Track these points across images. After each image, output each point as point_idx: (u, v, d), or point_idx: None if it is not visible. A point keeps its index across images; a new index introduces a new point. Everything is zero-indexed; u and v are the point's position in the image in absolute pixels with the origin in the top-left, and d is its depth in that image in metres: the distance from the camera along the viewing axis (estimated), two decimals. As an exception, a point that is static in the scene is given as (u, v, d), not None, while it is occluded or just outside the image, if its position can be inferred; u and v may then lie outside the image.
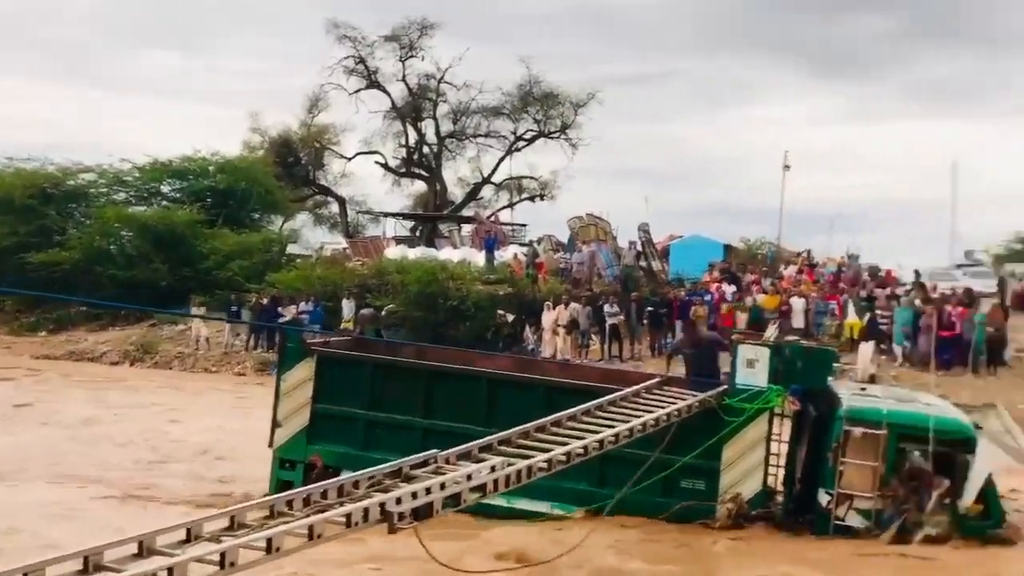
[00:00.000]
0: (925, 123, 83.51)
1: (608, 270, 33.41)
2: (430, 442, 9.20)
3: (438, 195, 52.06)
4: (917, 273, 31.08)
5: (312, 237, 49.30)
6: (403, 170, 52.97)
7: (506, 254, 35.01)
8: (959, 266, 36.63)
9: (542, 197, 58.30)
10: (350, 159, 52.11)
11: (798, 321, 24.46)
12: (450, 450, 7.03)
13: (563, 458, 7.49)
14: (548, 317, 25.77)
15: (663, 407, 9.61)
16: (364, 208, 53.99)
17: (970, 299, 23.73)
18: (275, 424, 11.22)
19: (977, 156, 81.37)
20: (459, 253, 36.82)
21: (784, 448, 10.97)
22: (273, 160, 45.00)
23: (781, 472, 10.95)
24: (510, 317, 26.93)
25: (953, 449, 9.74)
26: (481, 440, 7.56)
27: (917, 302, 23.74)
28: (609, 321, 25.49)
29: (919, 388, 19.84)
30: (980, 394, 20.52)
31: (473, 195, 55.26)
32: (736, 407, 10.21)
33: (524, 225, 53.65)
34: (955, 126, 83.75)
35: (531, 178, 57.15)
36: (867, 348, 21.97)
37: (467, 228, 47.30)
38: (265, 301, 27.91)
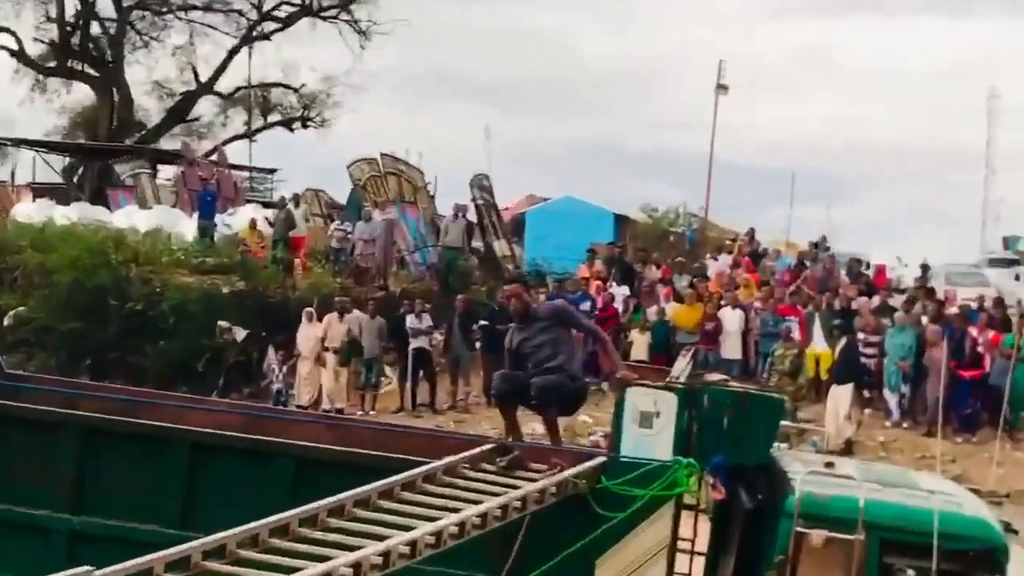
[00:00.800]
0: (945, 22, 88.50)
1: (417, 254, 33.58)
2: (81, 554, 8.87)
3: (115, 112, 50.94)
4: (924, 271, 32.79)
5: None
6: (52, 64, 51.64)
7: (237, 220, 34.58)
8: (992, 261, 38.79)
9: (305, 122, 58.09)
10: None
11: (731, 348, 25.31)
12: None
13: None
14: (307, 334, 25.61)
15: (489, 495, 9.67)
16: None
17: (1005, 316, 25.12)
18: None
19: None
20: (150, 216, 36.16)
21: (699, 565, 11.24)
22: None
23: (694, 606, 11.22)
24: (240, 333, 26.66)
25: (971, 566, 10.19)
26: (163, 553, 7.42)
27: (924, 320, 24.94)
28: (415, 343, 25.60)
29: (921, 464, 21.00)
30: (1018, 473, 21.87)
31: (180, 114, 54.36)
32: (618, 493, 10.37)
33: (272, 171, 53.35)
34: (994, 29, 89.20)
35: (287, 87, 56.90)
36: (842, 395, 22.99)
37: (167, 172, 46.43)
38: None
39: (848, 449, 21.94)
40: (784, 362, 23.59)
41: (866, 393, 24.55)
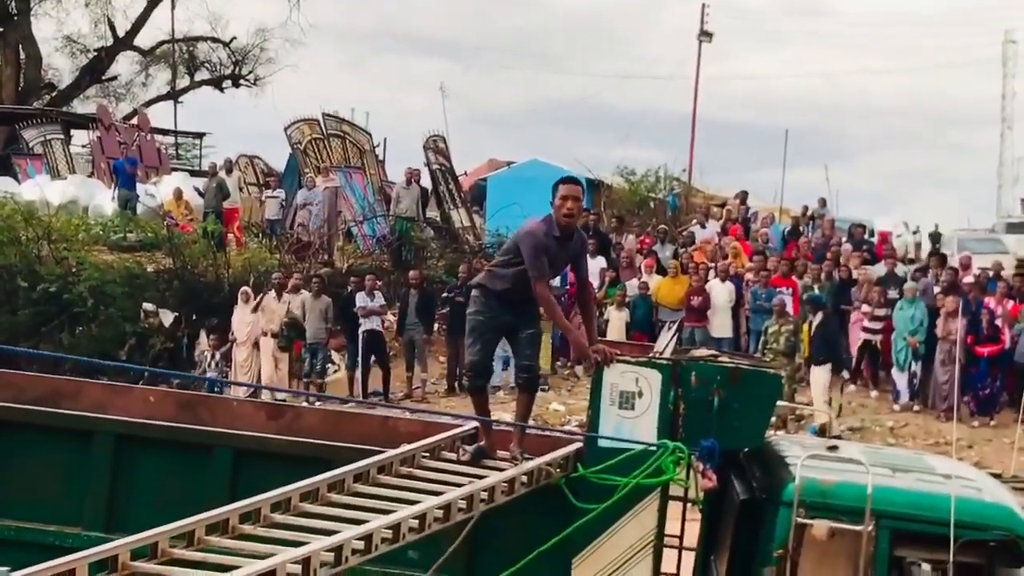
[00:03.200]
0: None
1: (365, 225, 33.55)
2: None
3: (22, 71, 50.54)
4: (936, 239, 32.95)
5: None
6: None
7: (161, 191, 34.46)
8: (1010, 226, 38.97)
9: (237, 81, 57.78)
10: None
11: (720, 325, 25.40)
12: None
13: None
14: (243, 317, 25.57)
15: (452, 486, 9.69)
16: None
17: (1025, 285, 25.29)
18: None
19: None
20: (64, 187, 35.95)
21: (689, 560, 11.28)
22: None
23: (682, 607, 11.25)
24: (168, 317, 26.60)
25: (992, 558, 10.25)
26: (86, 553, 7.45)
27: (936, 291, 25.07)
28: (366, 325, 25.59)
29: (934, 450, 21.11)
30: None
31: (95, 73, 54.01)
32: (597, 483, 10.40)
33: (200, 136, 53.14)
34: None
35: (215, 41, 56.58)
36: (820, 377, 23.06)
37: (82, 138, 46.14)
38: None
39: (822, 433, 22.04)
40: (779, 340, 23.53)
41: (844, 374, 24.76)
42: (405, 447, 10.32)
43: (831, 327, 23.96)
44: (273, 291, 25.85)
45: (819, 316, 23.83)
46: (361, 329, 25.52)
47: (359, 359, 25.68)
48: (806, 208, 35.79)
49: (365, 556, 8.43)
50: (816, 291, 25.11)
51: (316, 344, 25.69)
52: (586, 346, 10.80)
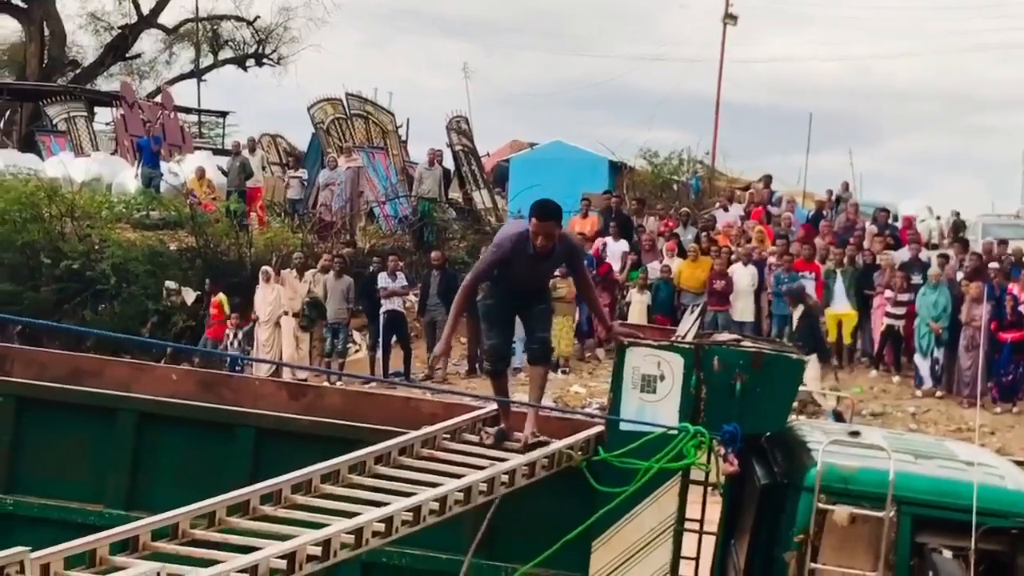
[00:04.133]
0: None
1: (388, 205, 33.56)
2: (15, 538, 8.89)
3: (46, 48, 50.68)
4: (957, 225, 32.81)
5: None
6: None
7: (184, 169, 34.54)
8: (1035, 209, 38.87)
9: (260, 59, 57.83)
10: None
11: (742, 309, 25.35)
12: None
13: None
14: (265, 296, 25.61)
15: (473, 468, 9.70)
16: None
17: (1050, 271, 25.20)
18: None
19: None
20: (87, 164, 36.05)
21: (709, 544, 11.29)
22: None
23: (702, 591, 11.24)
24: (190, 295, 26.66)
25: (1014, 546, 10.22)
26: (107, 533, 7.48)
27: (960, 276, 25.00)
28: (387, 306, 25.61)
29: (957, 435, 21.05)
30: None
31: (119, 51, 54.10)
32: (618, 467, 10.40)
33: (223, 114, 53.19)
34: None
35: (239, 20, 56.65)
36: (808, 369, 23.08)
37: (105, 116, 46.26)
38: None
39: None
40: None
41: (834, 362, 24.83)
42: (426, 429, 10.32)
43: (812, 318, 23.88)
44: (294, 270, 25.88)
45: (800, 308, 23.79)
46: (382, 310, 25.54)
47: (380, 339, 25.71)
48: (830, 192, 35.66)
49: (385, 539, 8.45)
50: (839, 277, 25.03)
51: (337, 324, 25.74)
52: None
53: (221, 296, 26.02)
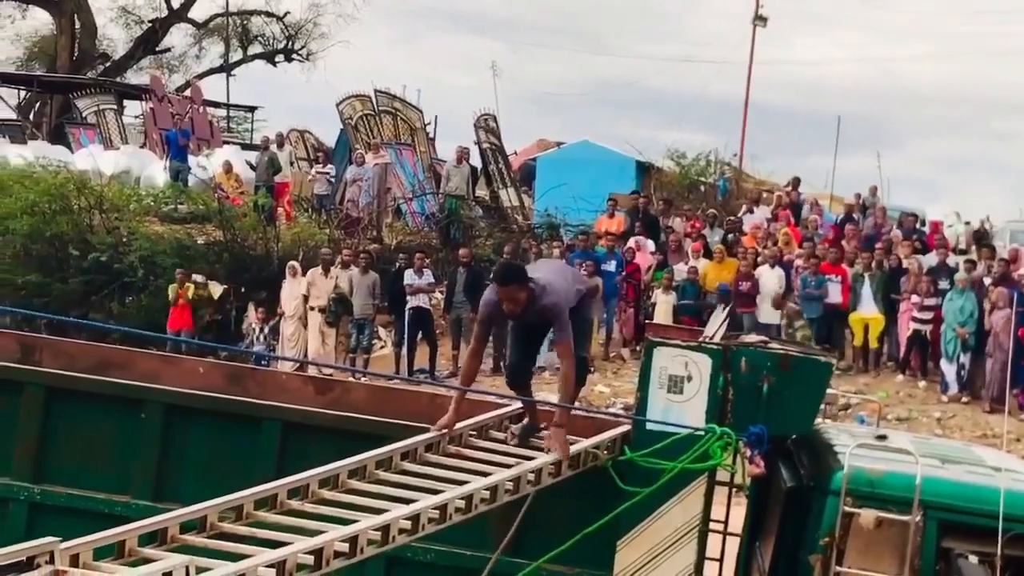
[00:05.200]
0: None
1: (415, 202, 33.58)
2: (42, 528, 8.89)
3: (77, 41, 50.87)
4: (982, 232, 32.68)
5: None
6: (7, -14, 51.54)
7: (212, 163, 34.63)
8: (1065, 213, 38.67)
9: (289, 55, 57.95)
10: None
11: (768, 311, 25.30)
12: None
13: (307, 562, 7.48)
14: (292, 291, 25.66)
15: (499, 466, 9.70)
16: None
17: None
18: None
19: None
20: (116, 157, 36.18)
21: (733, 545, 11.28)
22: None
23: (726, 592, 11.24)
24: (217, 289, 26.70)
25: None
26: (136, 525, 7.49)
27: (987, 281, 24.92)
28: (413, 302, 25.63)
29: (983, 441, 21.00)
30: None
31: (149, 45, 54.25)
32: (644, 467, 10.41)
33: (252, 109, 53.32)
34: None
35: (268, 15, 56.78)
36: None
37: (135, 109, 46.39)
38: None
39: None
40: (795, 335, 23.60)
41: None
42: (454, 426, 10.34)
43: (735, 325, 23.86)
44: (320, 266, 25.93)
45: (727, 309, 23.89)
46: (408, 306, 25.54)
47: (405, 336, 25.73)
48: (858, 196, 35.58)
49: (412, 536, 8.48)
50: (867, 281, 24.99)
51: (363, 320, 25.76)
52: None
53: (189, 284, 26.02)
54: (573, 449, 10.23)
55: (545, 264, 11.61)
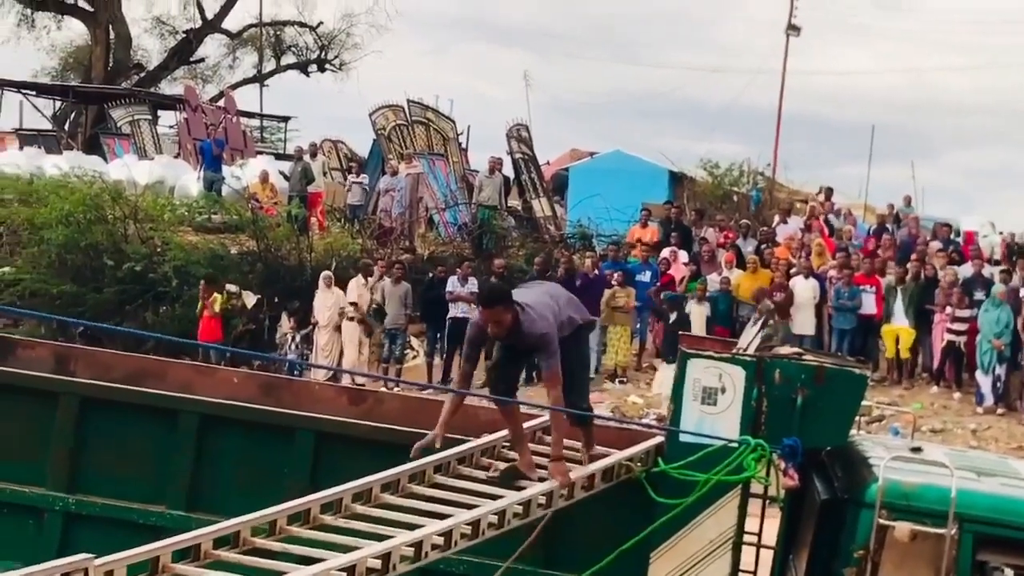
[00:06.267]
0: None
1: (447, 212, 33.60)
2: (77, 537, 8.96)
3: (112, 52, 51.12)
4: (1018, 244, 32.52)
5: None
6: (42, -4, 51.80)
7: (246, 173, 34.72)
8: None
9: (322, 65, 58.12)
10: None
11: (803, 322, 25.22)
12: None
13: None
14: (324, 301, 25.68)
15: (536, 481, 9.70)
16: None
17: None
18: None
19: None
20: (151, 167, 36.30)
21: (767, 558, 11.24)
22: None
23: (760, 606, 11.20)
24: (251, 299, 26.73)
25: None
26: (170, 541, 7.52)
27: (1023, 292, 24.80)
28: (453, 312, 25.59)
29: (1018, 453, 20.89)
30: None
31: (183, 55, 54.48)
32: (678, 479, 10.38)
33: (286, 119, 53.45)
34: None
35: (302, 26, 56.97)
36: (665, 374, 22.99)
37: (169, 119, 46.56)
38: None
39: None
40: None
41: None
42: (487, 437, 10.34)
43: (679, 325, 24.06)
44: (361, 276, 25.96)
45: (674, 315, 23.95)
46: (448, 315, 25.43)
47: (438, 345, 25.72)
48: (891, 207, 35.45)
49: (444, 552, 8.49)
50: (899, 293, 24.91)
51: (395, 329, 25.76)
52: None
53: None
54: (607, 461, 10.23)
55: (538, 287, 11.14)
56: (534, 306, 9.93)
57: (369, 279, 25.95)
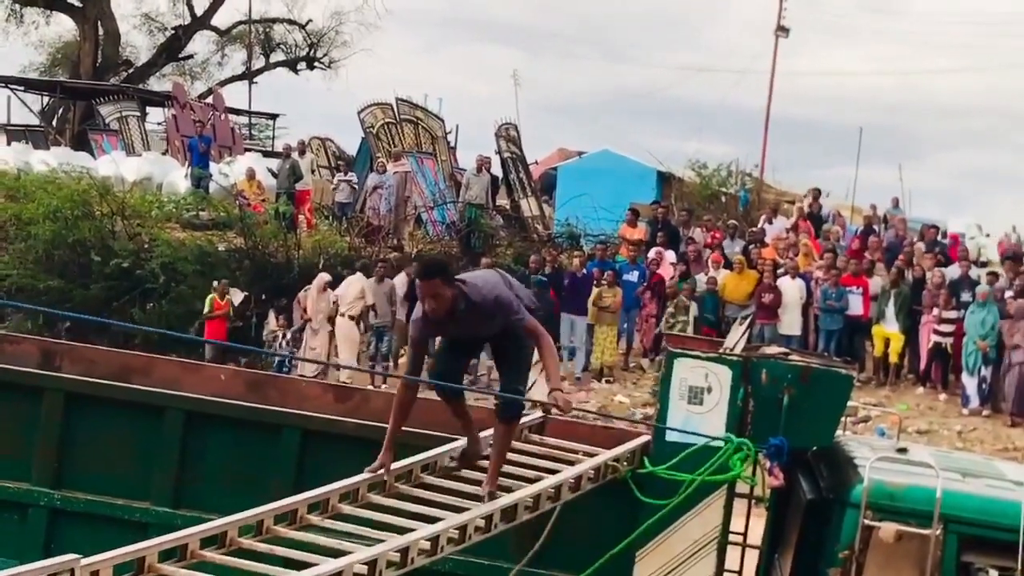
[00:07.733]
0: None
1: (435, 211, 33.56)
2: (62, 534, 8.95)
3: (100, 48, 51.01)
4: (1014, 249, 32.50)
5: None
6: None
7: (234, 170, 34.67)
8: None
9: (311, 63, 58.04)
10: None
11: (789, 323, 25.23)
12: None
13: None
14: (314, 300, 25.62)
15: (521, 480, 9.68)
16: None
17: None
18: None
19: None
20: (139, 164, 36.23)
21: (753, 558, 11.24)
22: None
23: (745, 606, 11.21)
24: (238, 296, 26.69)
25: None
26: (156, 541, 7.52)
27: (1008, 295, 24.82)
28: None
29: (1004, 455, 20.92)
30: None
31: (172, 52, 54.40)
32: (663, 478, 10.39)
33: (274, 117, 53.40)
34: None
35: (291, 23, 56.93)
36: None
37: (157, 116, 46.50)
38: None
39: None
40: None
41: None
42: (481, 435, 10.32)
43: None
44: (358, 273, 25.90)
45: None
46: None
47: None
48: (874, 208, 35.48)
49: (431, 557, 8.48)
50: (892, 296, 24.92)
51: (382, 328, 25.71)
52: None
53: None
54: (594, 461, 10.23)
55: (483, 271, 10.89)
56: (479, 279, 9.47)
57: (355, 277, 25.88)
